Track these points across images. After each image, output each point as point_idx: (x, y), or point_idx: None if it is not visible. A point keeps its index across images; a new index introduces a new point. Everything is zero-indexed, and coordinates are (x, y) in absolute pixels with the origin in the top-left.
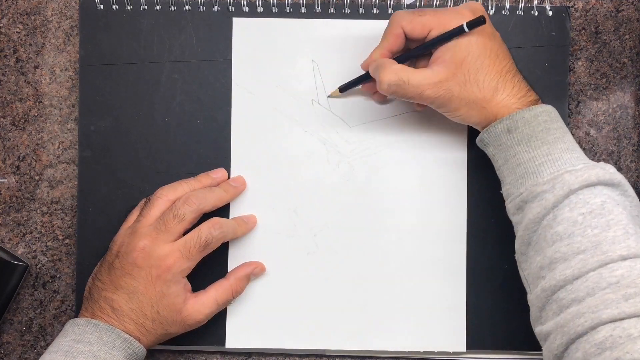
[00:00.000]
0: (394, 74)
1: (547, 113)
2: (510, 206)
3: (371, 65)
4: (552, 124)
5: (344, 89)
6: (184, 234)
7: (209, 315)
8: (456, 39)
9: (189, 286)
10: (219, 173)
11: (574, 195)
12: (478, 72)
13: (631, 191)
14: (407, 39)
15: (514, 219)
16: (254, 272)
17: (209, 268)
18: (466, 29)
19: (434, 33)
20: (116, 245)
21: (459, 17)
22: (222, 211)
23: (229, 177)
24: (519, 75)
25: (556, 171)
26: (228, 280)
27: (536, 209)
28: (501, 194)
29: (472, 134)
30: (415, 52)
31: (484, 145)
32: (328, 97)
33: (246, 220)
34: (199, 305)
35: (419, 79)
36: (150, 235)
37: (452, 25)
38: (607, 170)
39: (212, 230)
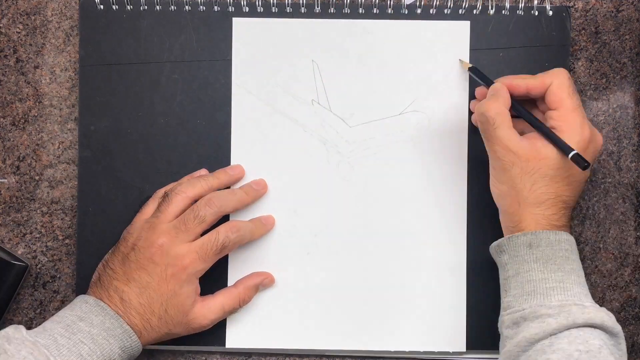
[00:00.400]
0: (493, 110)
1: (570, 243)
2: (506, 318)
3: (497, 83)
4: (572, 254)
5: (474, 71)
6: (202, 234)
7: (214, 321)
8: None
9: (199, 289)
10: (236, 170)
11: (576, 330)
12: (544, 178)
13: (624, 346)
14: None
15: (505, 332)
16: (263, 282)
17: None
18: (569, 156)
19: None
20: (132, 238)
21: (581, 132)
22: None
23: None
24: (569, 210)
25: (565, 300)
26: (237, 289)
27: (534, 329)
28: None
29: (472, 133)
30: (526, 117)
31: (500, 251)
32: (459, 59)
33: (264, 222)
34: (206, 310)
35: (504, 134)
36: (170, 233)
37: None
38: (611, 318)
39: (229, 233)
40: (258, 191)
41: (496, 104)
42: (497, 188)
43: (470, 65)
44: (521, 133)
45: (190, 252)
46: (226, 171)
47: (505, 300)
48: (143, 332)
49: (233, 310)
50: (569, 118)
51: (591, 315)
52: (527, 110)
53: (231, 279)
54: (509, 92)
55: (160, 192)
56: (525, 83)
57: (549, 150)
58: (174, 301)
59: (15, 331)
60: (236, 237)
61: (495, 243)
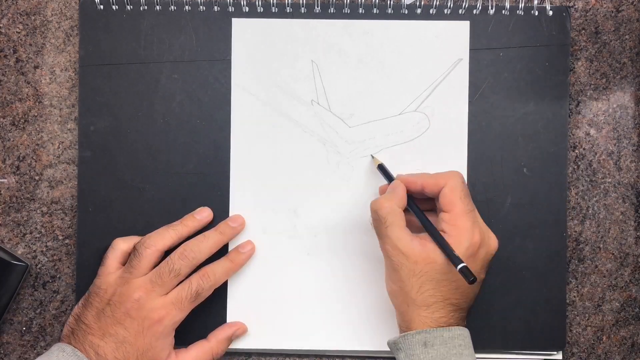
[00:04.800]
0: (386, 209)
1: (463, 337)
2: None
3: (396, 181)
4: (465, 349)
5: (381, 168)
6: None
7: None
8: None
9: (173, 342)
10: (203, 213)
11: None
12: (431, 281)
13: None
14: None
15: None
16: (235, 333)
17: None
18: (457, 268)
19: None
20: (107, 294)
21: (471, 237)
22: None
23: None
24: (460, 312)
25: None
26: (209, 343)
27: None
28: (501, 193)
29: (471, 134)
30: (420, 218)
31: (397, 349)
32: (372, 154)
33: (241, 250)
34: None
35: (394, 234)
36: (146, 287)
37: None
38: None
39: (202, 282)
40: (235, 229)
41: (390, 202)
42: (388, 286)
43: (380, 163)
44: (420, 230)
45: (166, 304)
46: (194, 216)
47: None
48: None
49: None
50: (459, 222)
51: None
52: (421, 212)
53: (231, 283)
54: (407, 188)
55: (118, 242)
56: (421, 180)
57: (437, 255)
58: (149, 354)
59: None
60: (209, 284)
61: (391, 340)
